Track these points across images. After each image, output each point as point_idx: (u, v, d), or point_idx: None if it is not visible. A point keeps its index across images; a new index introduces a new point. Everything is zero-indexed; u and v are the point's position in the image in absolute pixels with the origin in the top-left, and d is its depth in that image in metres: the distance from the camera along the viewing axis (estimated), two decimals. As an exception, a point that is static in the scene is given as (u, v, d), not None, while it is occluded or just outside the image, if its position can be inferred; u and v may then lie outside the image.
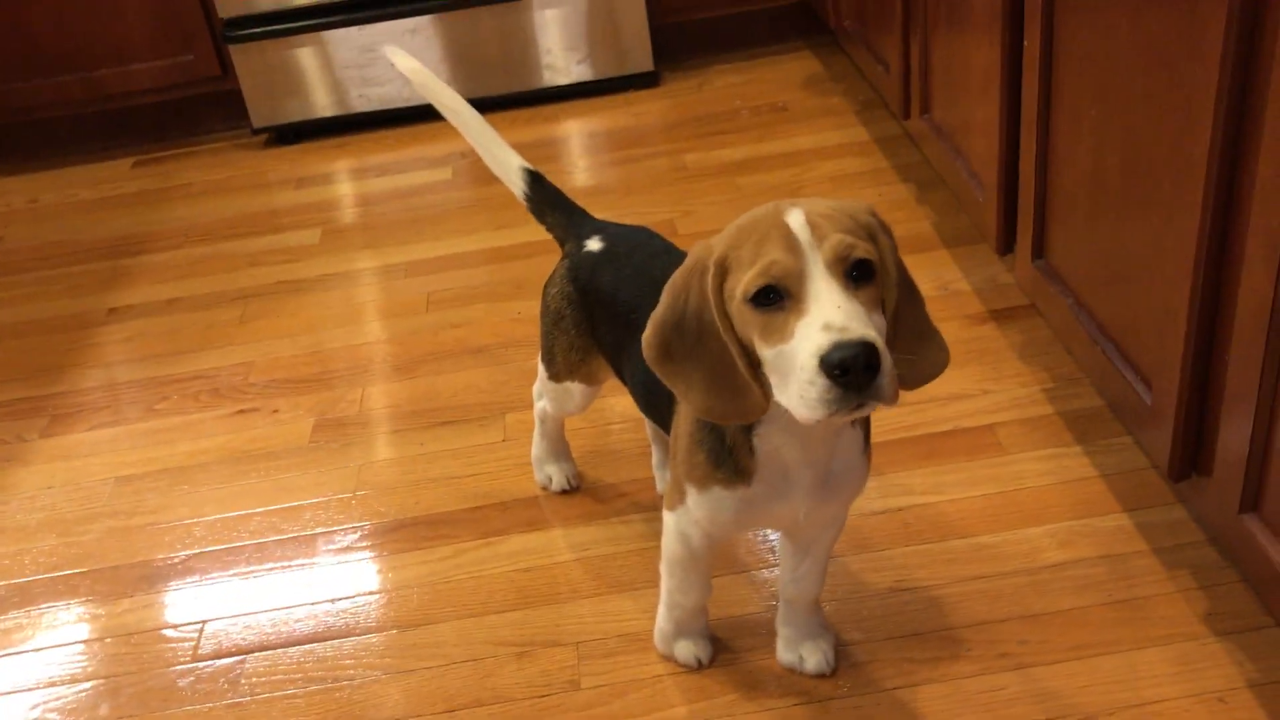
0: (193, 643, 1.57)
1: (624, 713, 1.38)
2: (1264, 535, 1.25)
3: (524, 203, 1.58)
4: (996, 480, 1.65)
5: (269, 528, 1.76)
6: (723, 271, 1.03)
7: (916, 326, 1.09)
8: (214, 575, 1.69)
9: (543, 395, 1.63)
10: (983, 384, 1.84)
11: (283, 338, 2.26)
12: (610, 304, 1.38)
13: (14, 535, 1.82)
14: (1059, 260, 1.72)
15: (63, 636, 1.61)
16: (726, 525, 1.23)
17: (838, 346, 0.93)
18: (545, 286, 1.50)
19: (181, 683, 1.51)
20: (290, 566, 1.68)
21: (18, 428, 2.08)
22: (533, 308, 1.55)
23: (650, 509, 1.68)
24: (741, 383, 1.04)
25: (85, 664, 1.56)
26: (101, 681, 1.53)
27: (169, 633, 1.59)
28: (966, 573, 1.51)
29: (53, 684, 1.54)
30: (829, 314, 0.95)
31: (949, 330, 1.98)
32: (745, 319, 1.01)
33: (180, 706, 1.48)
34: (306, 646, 1.54)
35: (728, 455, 1.16)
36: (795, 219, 0.99)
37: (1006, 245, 1.92)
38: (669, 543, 1.31)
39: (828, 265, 0.97)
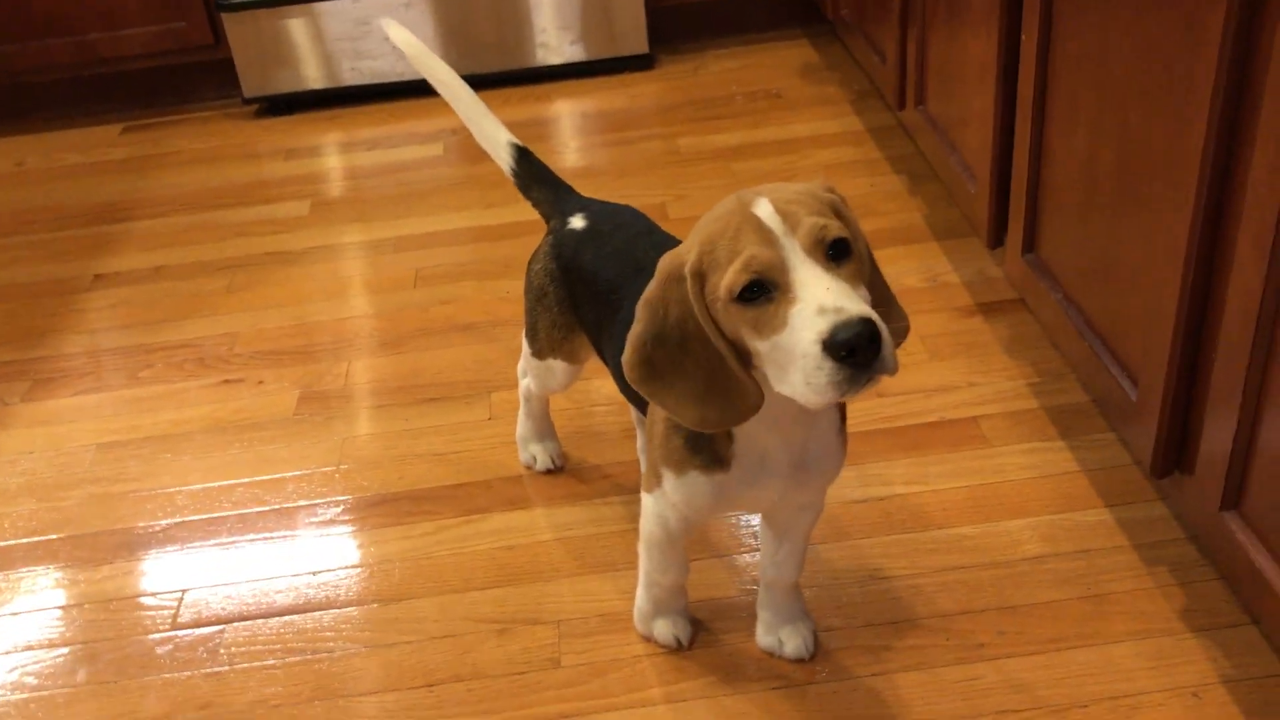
0: (172, 611, 1.57)
1: (602, 691, 1.39)
2: (1243, 533, 1.26)
3: (511, 178, 1.57)
4: (979, 473, 1.66)
5: (251, 499, 1.76)
6: (701, 276, 1.02)
7: (882, 295, 1.10)
8: (195, 544, 1.68)
9: (527, 373, 1.63)
10: (969, 377, 1.85)
11: (269, 309, 2.25)
12: (592, 282, 1.38)
13: (-7, 499, 1.81)
14: (1049, 255, 1.73)
15: (41, 601, 1.61)
16: (703, 510, 1.24)
17: (840, 328, 0.92)
18: (530, 263, 1.50)
19: (160, 650, 1.51)
20: (272, 538, 1.68)
21: (-1, 391, 2.07)
22: (521, 287, 1.55)
23: (632, 491, 1.68)
24: (735, 382, 1.03)
25: (63, 629, 1.55)
26: (80, 647, 1.52)
27: (148, 600, 1.59)
28: (946, 563, 1.52)
29: (30, 648, 1.53)
30: (821, 297, 0.95)
31: (937, 322, 1.98)
32: (733, 317, 1.00)
33: (158, 674, 1.47)
34: (286, 618, 1.54)
35: (705, 442, 1.16)
36: (763, 209, 0.99)
37: (997, 239, 1.93)
38: (646, 524, 1.32)
39: (807, 250, 0.97)
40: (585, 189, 1.57)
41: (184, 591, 1.60)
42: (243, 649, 1.50)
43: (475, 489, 1.73)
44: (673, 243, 1.31)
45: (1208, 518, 1.33)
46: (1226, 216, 1.22)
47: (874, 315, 0.94)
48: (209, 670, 1.47)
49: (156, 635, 1.53)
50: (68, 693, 1.46)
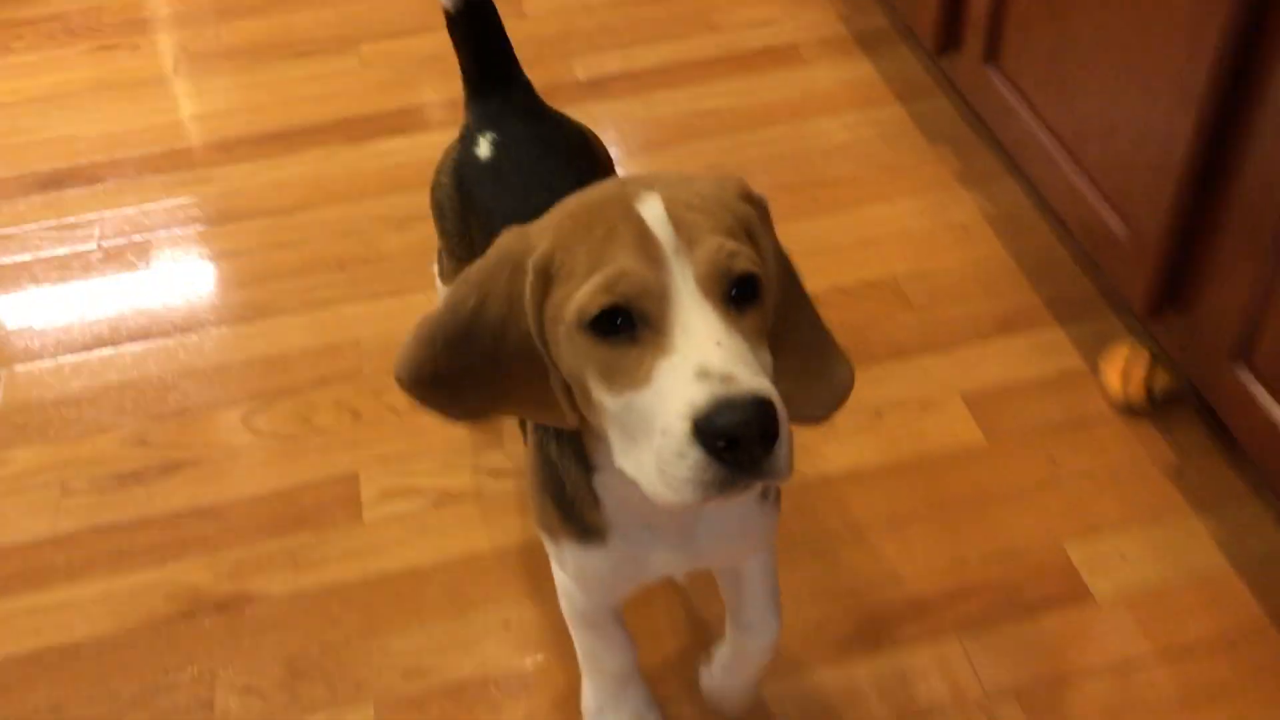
0: (97, 230, 1.75)
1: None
2: (1003, 86, 1.58)
3: (447, 11, 1.18)
4: (796, 84, 1.95)
5: (150, 141, 1.92)
6: (546, 278, 0.73)
7: (811, 339, 0.82)
8: (106, 180, 1.85)
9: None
10: (790, 10, 2.11)
11: (129, -19, 2.33)
12: (486, 219, 1.09)
13: (-103, 153, 1.92)
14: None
15: (-29, 230, 1.78)
16: (595, 589, 0.97)
17: (724, 406, 0.65)
18: (436, 170, 1.22)
19: (93, 258, 1.71)
20: (178, 171, 1.86)
21: (-128, 65, 2.13)
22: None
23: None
24: (553, 410, 0.77)
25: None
26: (24, 258, 1.71)
27: (72, 219, 1.77)
28: (767, 151, 1.81)
29: (-28, 265, 1.71)
30: (707, 353, 0.67)
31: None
32: (578, 350, 0.72)
33: (95, 277, 1.68)
34: (203, 226, 1.75)
35: (574, 508, 0.87)
36: (652, 209, 0.71)
37: None
38: (560, 596, 1.03)
39: (701, 282, 0.69)
40: None
41: (103, 219, 1.78)
42: (167, 256, 1.71)
43: (358, 121, 1.93)
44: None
45: (977, 82, 1.64)
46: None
47: (774, 396, 0.67)
48: (141, 272, 1.68)
49: (86, 247, 1.72)
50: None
